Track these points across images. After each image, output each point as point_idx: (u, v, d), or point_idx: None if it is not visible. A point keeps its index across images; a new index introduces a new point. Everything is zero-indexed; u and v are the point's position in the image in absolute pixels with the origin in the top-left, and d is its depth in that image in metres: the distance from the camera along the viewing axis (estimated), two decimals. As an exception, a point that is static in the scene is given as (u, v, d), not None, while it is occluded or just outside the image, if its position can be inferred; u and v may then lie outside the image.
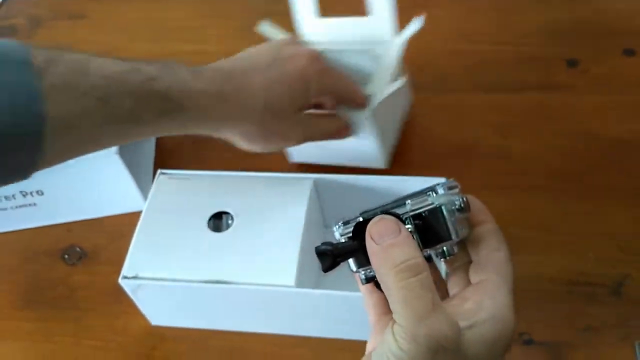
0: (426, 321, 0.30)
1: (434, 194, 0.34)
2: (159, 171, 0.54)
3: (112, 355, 0.53)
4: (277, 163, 0.63)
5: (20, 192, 0.59)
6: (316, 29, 0.59)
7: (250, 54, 0.52)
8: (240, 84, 0.47)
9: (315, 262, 0.52)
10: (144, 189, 0.60)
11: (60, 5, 0.85)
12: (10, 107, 0.36)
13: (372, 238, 0.33)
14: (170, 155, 0.66)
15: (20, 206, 0.61)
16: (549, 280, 0.52)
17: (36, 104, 0.36)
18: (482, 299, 0.33)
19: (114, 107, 0.40)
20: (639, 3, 0.72)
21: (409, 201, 0.34)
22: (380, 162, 0.60)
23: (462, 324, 0.32)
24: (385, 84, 0.56)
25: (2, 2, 0.88)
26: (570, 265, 0.53)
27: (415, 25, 0.55)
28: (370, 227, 0.33)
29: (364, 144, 0.57)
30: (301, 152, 0.61)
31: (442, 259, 0.35)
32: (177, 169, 0.55)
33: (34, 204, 0.61)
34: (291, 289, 0.46)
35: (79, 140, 0.41)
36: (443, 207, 0.34)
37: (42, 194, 0.60)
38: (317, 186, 0.53)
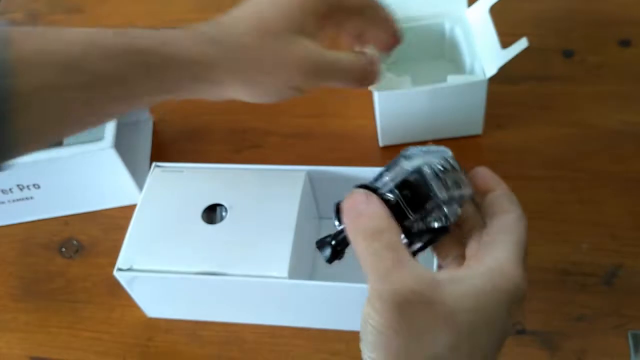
0: (389, 278, 0.31)
1: (406, 160, 0.34)
2: (153, 164, 0.54)
3: (109, 346, 0.54)
4: (272, 157, 0.64)
5: (18, 185, 0.60)
6: None
7: None
8: (227, 17, 0.44)
9: (309, 254, 0.52)
10: (140, 183, 0.60)
11: (58, -1, 0.85)
12: None
13: (345, 214, 0.33)
14: (167, 149, 0.66)
15: (18, 200, 0.61)
16: (543, 269, 0.52)
17: (4, 74, 0.34)
18: (483, 255, 0.33)
19: (92, 71, 0.37)
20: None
21: (386, 172, 0.34)
22: (478, 127, 0.62)
23: (442, 277, 0.32)
24: (498, 49, 0.57)
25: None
26: (563, 254, 0.53)
27: None
28: (342, 204, 0.34)
29: (470, 105, 0.58)
30: (387, 134, 0.62)
31: (449, 224, 0.35)
32: (173, 162, 0.55)
33: (31, 198, 0.61)
34: (284, 280, 0.46)
35: (60, 110, 0.37)
36: (422, 168, 0.33)
37: (39, 187, 0.60)
38: (310, 178, 0.53)
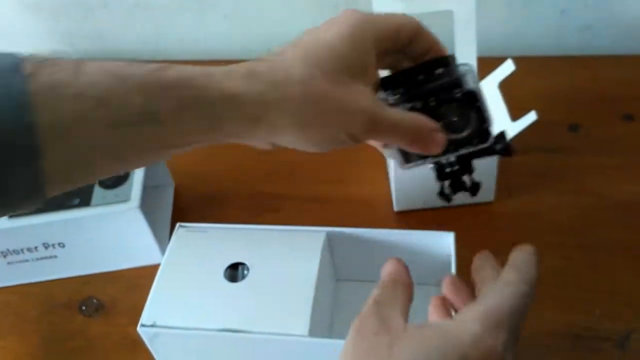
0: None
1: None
2: (177, 224, 0.56)
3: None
4: (289, 222, 0.66)
5: (43, 244, 0.62)
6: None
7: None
8: (271, 60, 0.38)
9: (327, 314, 0.53)
10: (161, 244, 0.63)
11: None
12: None
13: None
14: (187, 213, 0.68)
15: (42, 258, 0.63)
16: (554, 335, 0.53)
17: (23, 109, 0.30)
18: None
19: (119, 106, 0.33)
20: (636, 71, 0.76)
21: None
22: (490, 195, 0.63)
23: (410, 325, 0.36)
24: (509, 121, 0.59)
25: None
26: (575, 320, 0.54)
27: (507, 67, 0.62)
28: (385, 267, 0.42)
29: (482, 174, 0.55)
30: (402, 199, 0.63)
31: None
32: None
33: (55, 256, 0.63)
34: (305, 338, 0.47)
35: (85, 149, 0.33)
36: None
37: (64, 246, 0.62)
38: (329, 239, 0.55)
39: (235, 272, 0.52)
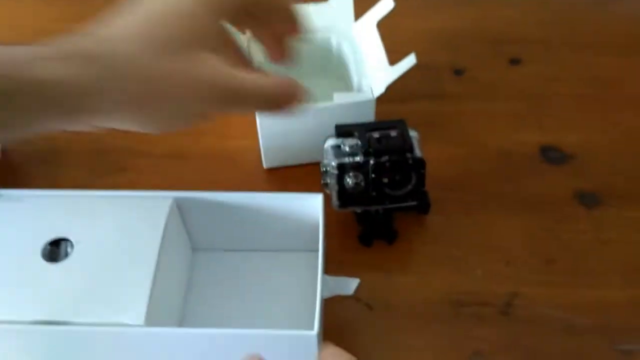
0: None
1: None
2: None
3: None
4: (139, 182, 0.57)
5: None
6: None
7: None
8: (110, 27, 0.35)
9: (177, 296, 0.45)
10: None
11: None
12: None
13: None
14: (14, 175, 0.57)
15: None
16: (435, 302, 0.49)
17: None
18: None
19: None
20: (525, 11, 0.72)
21: None
22: None
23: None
24: (386, 66, 0.55)
25: None
26: (456, 283, 0.50)
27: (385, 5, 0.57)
28: None
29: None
30: (271, 155, 0.57)
31: None
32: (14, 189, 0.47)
33: None
34: (140, 328, 0.39)
35: None
36: None
37: None
38: (179, 206, 0.47)
39: (56, 249, 0.43)
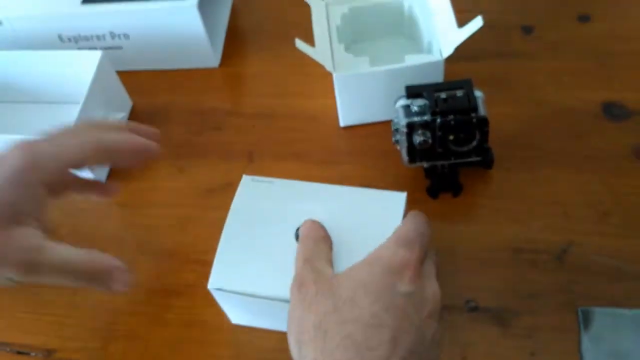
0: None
1: None
2: (243, 175, 0.51)
3: (73, 330, 0.55)
4: (234, 139, 0.64)
5: (110, 32, 0.68)
6: None
7: None
8: None
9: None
10: (215, 48, 0.70)
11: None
12: None
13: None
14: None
15: (109, 47, 0.68)
16: (495, 248, 0.54)
17: None
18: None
19: None
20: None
21: None
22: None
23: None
24: (455, 28, 0.58)
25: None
26: (516, 232, 0.54)
27: None
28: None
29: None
30: (347, 114, 0.63)
31: None
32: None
33: (120, 47, 0.69)
34: None
35: None
36: None
37: (128, 37, 0.68)
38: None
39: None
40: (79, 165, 0.43)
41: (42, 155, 0.40)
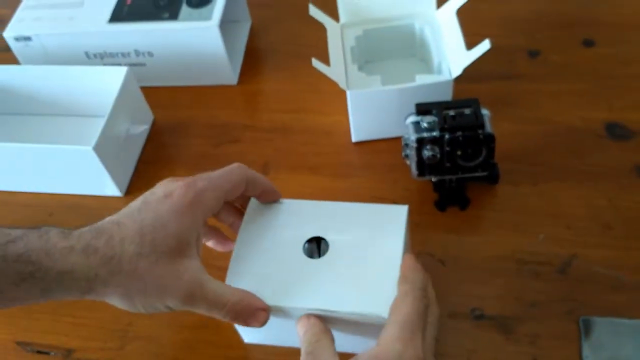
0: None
1: None
2: (252, 199, 0.51)
3: (92, 331, 0.57)
4: (250, 152, 0.67)
5: (135, 50, 0.71)
6: (356, 7, 0.68)
7: (129, 205, 0.45)
8: (110, 232, 0.42)
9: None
10: (234, 66, 0.74)
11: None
12: None
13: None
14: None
15: (133, 64, 0.72)
16: (500, 259, 0.55)
17: None
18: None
19: None
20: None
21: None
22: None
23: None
24: (464, 50, 0.61)
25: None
26: (520, 244, 0.56)
27: None
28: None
29: None
30: (359, 130, 0.65)
31: None
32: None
33: (144, 64, 0.72)
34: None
35: None
36: None
37: (152, 55, 0.72)
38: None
39: (313, 247, 0.48)
40: (230, 193, 0.47)
41: (205, 191, 0.45)
